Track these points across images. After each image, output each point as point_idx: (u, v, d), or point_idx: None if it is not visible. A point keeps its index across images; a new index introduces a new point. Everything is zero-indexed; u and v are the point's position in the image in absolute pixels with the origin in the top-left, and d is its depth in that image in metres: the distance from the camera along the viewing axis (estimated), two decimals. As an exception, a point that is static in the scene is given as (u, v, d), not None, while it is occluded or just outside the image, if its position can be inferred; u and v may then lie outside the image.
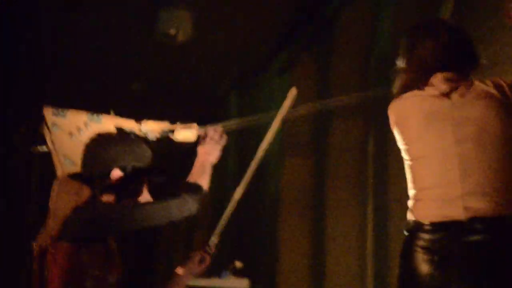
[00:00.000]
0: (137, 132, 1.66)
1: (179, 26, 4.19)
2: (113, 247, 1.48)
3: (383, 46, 3.34)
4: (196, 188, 1.59)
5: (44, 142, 1.66)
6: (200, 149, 1.68)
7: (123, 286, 1.51)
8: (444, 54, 1.36)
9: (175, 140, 1.70)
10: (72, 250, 1.44)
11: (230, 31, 4.79)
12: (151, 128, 1.69)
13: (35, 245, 1.51)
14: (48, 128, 1.66)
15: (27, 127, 1.86)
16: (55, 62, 5.15)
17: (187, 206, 1.55)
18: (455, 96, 1.33)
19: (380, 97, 2.86)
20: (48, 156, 1.68)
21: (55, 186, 1.54)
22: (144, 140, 1.66)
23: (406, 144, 1.40)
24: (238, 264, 3.54)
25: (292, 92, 1.79)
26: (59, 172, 1.65)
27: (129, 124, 1.68)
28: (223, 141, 1.70)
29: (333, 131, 3.81)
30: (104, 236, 1.48)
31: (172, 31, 4.14)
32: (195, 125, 1.71)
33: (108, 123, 1.67)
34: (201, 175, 1.64)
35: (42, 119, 1.65)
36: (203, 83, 5.89)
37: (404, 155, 1.42)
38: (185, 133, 1.71)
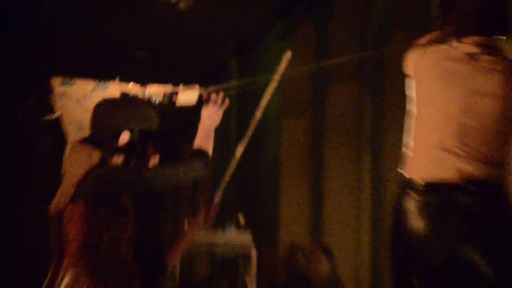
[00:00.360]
0: (142, 96, 1.72)
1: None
2: (126, 206, 1.54)
3: (380, 12, 3.36)
4: (203, 153, 1.64)
5: (52, 111, 1.73)
6: (204, 113, 1.72)
7: (136, 245, 1.59)
8: (483, 19, 1.37)
9: (178, 102, 1.75)
10: (87, 211, 1.49)
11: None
12: (155, 91, 1.74)
13: (51, 209, 1.57)
14: (56, 97, 1.72)
15: (36, 97, 1.86)
16: (59, 32, 5.19)
17: (194, 171, 1.61)
18: (477, 64, 1.34)
19: (376, 59, 3.06)
20: (57, 123, 1.73)
21: (67, 151, 1.61)
22: (149, 103, 1.71)
23: (417, 95, 1.42)
24: (241, 218, 3.57)
25: (287, 56, 1.83)
26: (69, 138, 1.70)
27: (134, 89, 1.73)
28: (225, 105, 1.73)
29: (330, 92, 3.91)
30: (117, 196, 1.53)
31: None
32: (196, 86, 1.76)
33: (114, 90, 1.72)
34: (206, 139, 1.70)
35: (49, 89, 1.72)
36: (205, 49, 5.99)
37: (411, 106, 1.44)
38: (187, 95, 1.76)
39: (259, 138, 4.16)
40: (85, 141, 1.61)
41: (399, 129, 1.48)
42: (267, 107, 1.86)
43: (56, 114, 1.74)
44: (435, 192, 1.35)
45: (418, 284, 1.38)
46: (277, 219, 4.49)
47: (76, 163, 1.57)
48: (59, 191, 1.57)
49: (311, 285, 3.12)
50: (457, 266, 1.36)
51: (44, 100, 1.76)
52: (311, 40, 4.36)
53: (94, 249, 1.49)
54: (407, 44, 1.50)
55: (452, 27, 1.39)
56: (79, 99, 1.75)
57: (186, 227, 1.88)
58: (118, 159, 1.58)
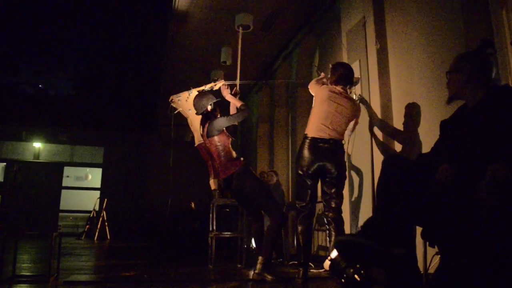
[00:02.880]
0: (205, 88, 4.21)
1: None
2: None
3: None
4: (243, 106, 3.80)
5: (176, 109, 4.38)
6: (224, 93, 4.05)
7: None
8: (343, 78, 3.50)
9: (215, 88, 4.22)
10: (216, 139, 3.68)
11: None
12: (209, 86, 4.23)
13: (196, 144, 4.24)
14: (175, 103, 4.36)
15: (169, 107, 4.40)
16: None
17: (245, 113, 3.78)
18: (341, 95, 3.45)
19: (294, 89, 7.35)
20: (179, 113, 4.40)
21: (189, 120, 4.39)
22: (209, 92, 4.06)
23: (315, 101, 3.51)
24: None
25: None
26: (188, 116, 4.37)
27: (201, 88, 4.25)
28: (229, 88, 4.09)
29: (277, 109, 8.25)
30: (222, 129, 3.70)
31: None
32: (222, 80, 4.28)
33: (195, 91, 4.25)
34: (233, 99, 3.97)
35: (171, 101, 4.39)
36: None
37: (314, 105, 3.51)
38: (219, 84, 4.18)
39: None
40: (195, 115, 3.98)
41: (305, 120, 3.62)
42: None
43: (178, 109, 4.35)
44: (315, 141, 3.36)
45: (303, 175, 3.37)
46: (255, 162, 8.52)
47: (195, 124, 4.18)
48: (196, 137, 4.24)
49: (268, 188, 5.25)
50: (322, 170, 3.34)
51: (172, 105, 4.39)
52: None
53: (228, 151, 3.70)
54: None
55: (333, 79, 3.53)
56: (185, 99, 4.31)
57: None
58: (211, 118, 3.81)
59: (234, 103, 3.92)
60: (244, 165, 3.64)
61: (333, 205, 3.32)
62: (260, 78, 8.62)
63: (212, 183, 3.74)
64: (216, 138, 3.65)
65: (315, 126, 3.37)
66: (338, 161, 3.35)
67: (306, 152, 3.34)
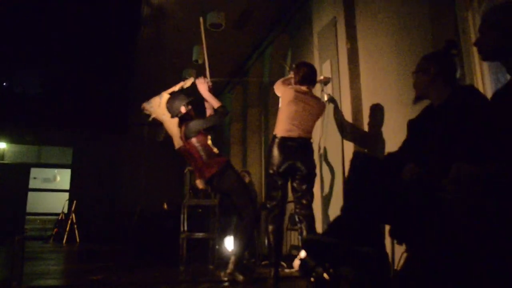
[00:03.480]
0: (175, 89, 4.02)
1: None
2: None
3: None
4: (220, 110, 3.74)
5: (149, 116, 4.07)
6: (201, 89, 3.86)
7: None
8: (307, 78, 3.55)
9: (186, 86, 4.06)
10: (194, 140, 3.64)
11: None
12: (179, 86, 4.04)
13: (176, 147, 3.90)
14: (148, 110, 4.05)
15: (143, 114, 4.14)
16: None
17: (219, 118, 3.79)
18: (306, 94, 3.51)
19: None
20: (154, 119, 4.07)
21: (164, 124, 3.98)
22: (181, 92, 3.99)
23: (282, 102, 3.52)
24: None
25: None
26: (163, 120, 3.99)
27: (171, 89, 4.03)
28: (205, 80, 3.89)
29: (249, 109, 8.26)
30: (199, 131, 3.65)
31: None
32: (191, 78, 4.14)
33: (166, 95, 3.99)
34: (210, 99, 3.82)
35: (143, 109, 4.09)
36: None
37: (281, 106, 3.53)
38: (189, 82, 4.05)
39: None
40: (170, 118, 3.86)
41: (274, 120, 3.70)
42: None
43: (152, 116, 4.05)
44: (285, 140, 3.39)
45: (273, 174, 3.40)
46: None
47: (172, 128, 3.89)
48: (175, 141, 3.90)
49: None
50: (292, 168, 3.37)
51: (144, 113, 4.09)
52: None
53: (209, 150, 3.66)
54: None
55: (297, 79, 3.58)
56: (157, 105, 4.01)
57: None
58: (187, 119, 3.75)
59: (211, 102, 3.80)
60: (226, 162, 3.64)
61: (304, 202, 3.35)
62: (233, 77, 8.59)
63: (199, 183, 3.75)
64: (194, 139, 3.63)
65: (284, 126, 3.41)
66: (308, 159, 3.40)
67: (276, 152, 3.37)
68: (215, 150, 3.66)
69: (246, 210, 3.51)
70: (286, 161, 3.34)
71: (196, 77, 3.94)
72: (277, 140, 3.41)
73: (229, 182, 3.56)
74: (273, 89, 3.77)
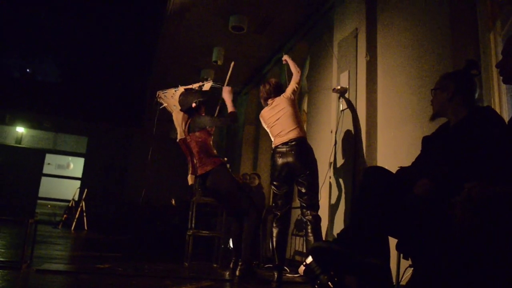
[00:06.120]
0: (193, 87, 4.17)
1: None
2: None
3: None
4: (232, 113, 3.82)
5: (161, 104, 4.27)
6: (225, 93, 3.97)
7: None
8: (271, 91, 3.90)
9: (204, 88, 4.21)
10: (196, 135, 3.75)
11: None
12: (197, 85, 4.19)
13: (177, 140, 3.90)
14: (161, 98, 4.25)
15: (155, 101, 4.31)
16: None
17: (225, 122, 3.88)
18: (270, 105, 3.85)
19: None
20: (165, 108, 4.28)
21: (173, 115, 4.01)
22: (197, 90, 4.13)
23: (265, 124, 3.89)
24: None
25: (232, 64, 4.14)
26: (172, 111, 4.09)
27: (189, 86, 4.18)
28: (231, 89, 4.00)
29: (245, 128, 8.92)
30: (205, 127, 3.76)
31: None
32: (211, 81, 4.31)
33: (181, 89, 4.16)
34: (229, 103, 3.89)
35: (158, 96, 4.27)
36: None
37: (266, 128, 3.91)
38: (208, 85, 4.21)
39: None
40: (179, 111, 3.97)
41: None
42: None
43: (164, 105, 4.25)
44: (277, 148, 3.63)
45: (275, 181, 3.62)
46: (239, 164, 8.57)
47: (178, 119, 3.93)
48: (178, 132, 3.90)
49: (251, 189, 6.08)
50: (291, 170, 3.53)
51: (157, 101, 4.29)
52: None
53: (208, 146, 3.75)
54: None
55: (262, 100, 3.97)
56: (171, 95, 4.20)
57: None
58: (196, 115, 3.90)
59: (228, 106, 3.88)
60: (222, 164, 3.68)
61: (310, 202, 3.45)
62: (249, 80, 8.65)
63: (190, 179, 3.75)
64: (197, 133, 3.71)
65: (274, 139, 3.72)
66: (304, 157, 3.53)
67: (274, 160, 3.63)
68: (214, 151, 3.75)
69: (249, 211, 3.56)
70: (284, 163, 3.53)
71: (214, 79, 4.30)
72: (272, 152, 3.69)
73: (225, 185, 3.62)
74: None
